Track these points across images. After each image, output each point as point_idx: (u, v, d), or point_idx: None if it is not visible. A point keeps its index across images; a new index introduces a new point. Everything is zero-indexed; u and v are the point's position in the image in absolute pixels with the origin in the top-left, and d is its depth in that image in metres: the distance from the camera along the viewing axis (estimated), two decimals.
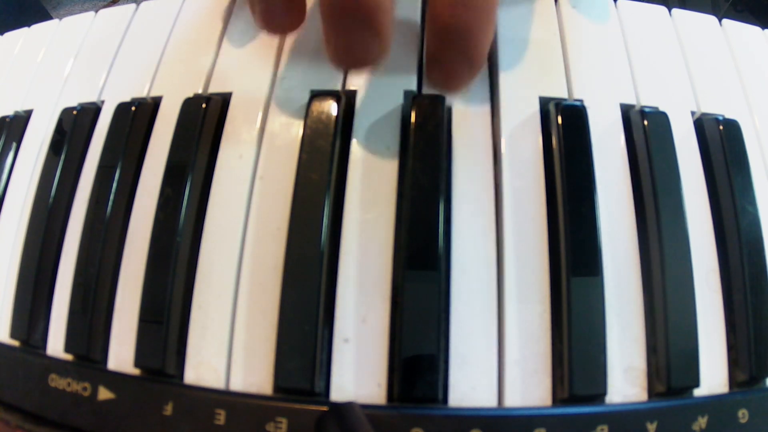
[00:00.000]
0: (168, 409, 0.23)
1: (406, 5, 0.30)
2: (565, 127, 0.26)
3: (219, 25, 0.31)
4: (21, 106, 0.33)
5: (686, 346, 0.24)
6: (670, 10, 0.33)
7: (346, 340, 0.24)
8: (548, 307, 0.24)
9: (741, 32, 0.33)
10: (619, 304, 0.24)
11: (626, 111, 0.28)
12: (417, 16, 0.30)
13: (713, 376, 0.24)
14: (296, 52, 0.30)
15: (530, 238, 0.25)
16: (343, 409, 0.21)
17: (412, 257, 0.24)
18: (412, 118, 0.26)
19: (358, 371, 0.23)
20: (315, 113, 0.27)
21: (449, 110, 0.27)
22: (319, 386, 0.23)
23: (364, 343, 0.24)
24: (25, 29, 0.37)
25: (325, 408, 0.22)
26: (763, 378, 0.24)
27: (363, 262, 0.25)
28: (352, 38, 0.24)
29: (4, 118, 0.33)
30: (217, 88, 0.29)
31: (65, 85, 0.32)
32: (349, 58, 0.25)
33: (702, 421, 0.23)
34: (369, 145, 0.27)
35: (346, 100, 0.28)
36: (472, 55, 0.24)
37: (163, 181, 0.26)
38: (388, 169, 0.26)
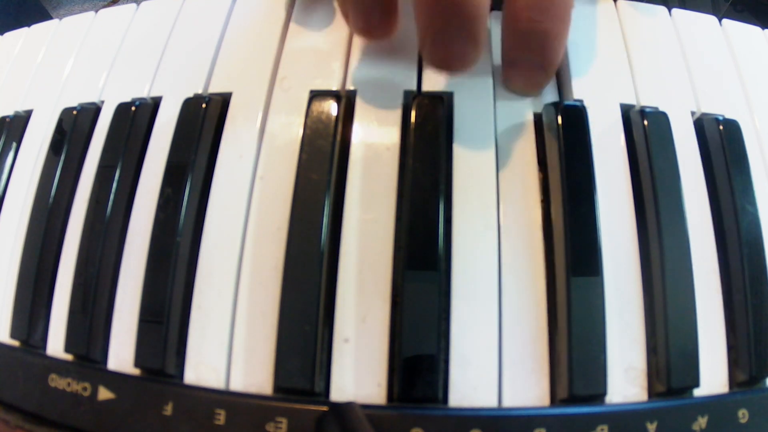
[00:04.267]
0: (168, 409, 0.23)
1: (405, 5, 0.30)
2: (565, 127, 0.26)
3: (219, 25, 0.31)
4: (21, 106, 0.33)
5: (686, 346, 0.24)
6: (670, 10, 0.33)
7: (346, 340, 0.24)
8: (548, 307, 0.24)
9: (741, 32, 0.33)
10: (619, 304, 0.24)
11: (626, 111, 0.28)
12: None
13: (713, 376, 0.24)
14: (296, 52, 0.30)
15: (530, 238, 0.25)
16: (343, 409, 0.21)
17: (412, 257, 0.24)
18: (412, 118, 0.26)
19: (358, 371, 0.23)
20: (315, 113, 0.27)
21: (449, 110, 0.27)
22: (319, 386, 0.23)
23: (364, 343, 0.24)
24: (25, 29, 0.37)
25: (325, 408, 0.22)
26: (763, 378, 0.24)
27: (363, 262, 0.25)
28: (452, 46, 0.25)
29: (4, 118, 0.33)
30: (217, 88, 0.29)
31: (65, 85, 0.32)
32: (447, 63, 0.26)
33: (702, 421, 0.23)
34: (369, 145, 0.27)
35: (346, 100, 0.28)
36: (549, 59, 0.26)
37: (163, 181, 0.26)
38: (388, 170, 0.26)
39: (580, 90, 0.28)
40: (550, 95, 0.28)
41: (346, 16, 0.27)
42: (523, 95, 0.28)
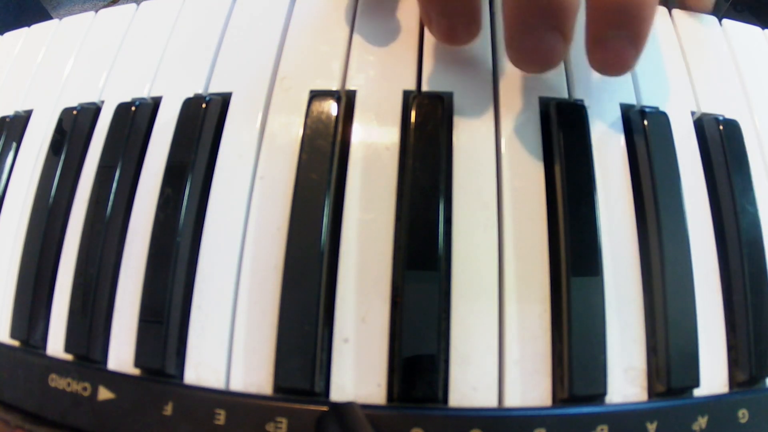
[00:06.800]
0: (168, 409, 0.23)
1: (404, 5, 0.30)
2: (565, 127, 0.26)
3: (219, 25, 0.31)
4: (21, 106, 0.33)
5: (686, 346, 0.24)
6: (670, 11, 0.33)
7: (346, 340, 0.24)
8: (548, 307, 0.24)
9: (741, 32, 0.33)
10: (619, 304, 0.24)
11: (626, 111, 0.28)
12: (415, 15, 0.30)
13: (713, 376, 0.24)
14: (296, 52, 0.30)
15: (530, 238, 0.25)
16: (343, 409, 0.21)
17: (412, 257, 0.24)
18: (412, 118, 0.26)
19: (358, 371, 0.23)
20: (315, 113, 0.27)
21: (449, 110, 0.27)
22: (319, 386, 0.23)
23: (364, 343, 0.24)
24: (25, 29, 0.37)
25: (325, 408, 0.22)
26: (763, 378, 0.24)
27: (363, 262, 0.25)
28: (541, 42, 0.24)
29: (4, 118, 0.33)
30: (217, 88, 0.29)
31: (65, 85, 0.32)
32: (536, 60, 0.25)
33: (702, 421, 0.23)
34: (369, 145, 0.27)
35: (346, 100, 0.28)
36: (641, 32, 0.24)
37: (163, 181, 0.26)
38: (388, 169, 0.26)
39: (580, 90, 0.28)
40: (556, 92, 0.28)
41: (428, 21, 0.27)
42: (611, 76, 0.27)
